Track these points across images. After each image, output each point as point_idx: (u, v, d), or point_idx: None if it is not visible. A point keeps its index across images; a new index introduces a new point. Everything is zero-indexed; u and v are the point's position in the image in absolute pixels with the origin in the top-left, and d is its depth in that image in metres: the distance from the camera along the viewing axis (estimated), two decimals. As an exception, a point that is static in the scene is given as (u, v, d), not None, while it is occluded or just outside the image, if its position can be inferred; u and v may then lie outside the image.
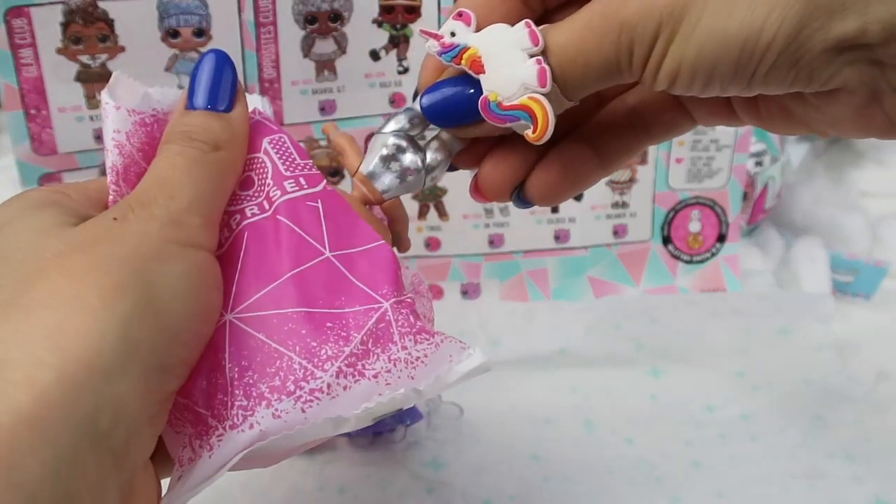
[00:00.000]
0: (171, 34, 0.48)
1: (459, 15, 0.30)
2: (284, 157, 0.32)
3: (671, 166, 0.56)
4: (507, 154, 0.32)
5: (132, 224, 0.26)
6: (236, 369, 0.28)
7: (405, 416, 0.46)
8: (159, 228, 0.26)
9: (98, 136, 0.49)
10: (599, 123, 0.33)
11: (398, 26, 0.51)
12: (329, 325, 0.29)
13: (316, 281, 0.29)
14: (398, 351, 0.29)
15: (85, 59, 0.47)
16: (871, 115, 0.27)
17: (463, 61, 0.29)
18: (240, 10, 0.49)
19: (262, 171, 0.31)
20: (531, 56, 0.28)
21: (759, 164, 0.59)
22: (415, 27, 0.51)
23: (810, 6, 0.25)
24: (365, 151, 0.34)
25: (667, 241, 0.58)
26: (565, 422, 0.49)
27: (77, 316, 0.23)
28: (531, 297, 0.57)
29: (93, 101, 0.48)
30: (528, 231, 0.57)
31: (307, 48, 0.51)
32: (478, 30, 0.30)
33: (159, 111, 0.31)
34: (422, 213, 0.55)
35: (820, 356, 0.53)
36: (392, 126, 0.32)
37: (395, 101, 0.53)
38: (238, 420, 0.28)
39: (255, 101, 0.34)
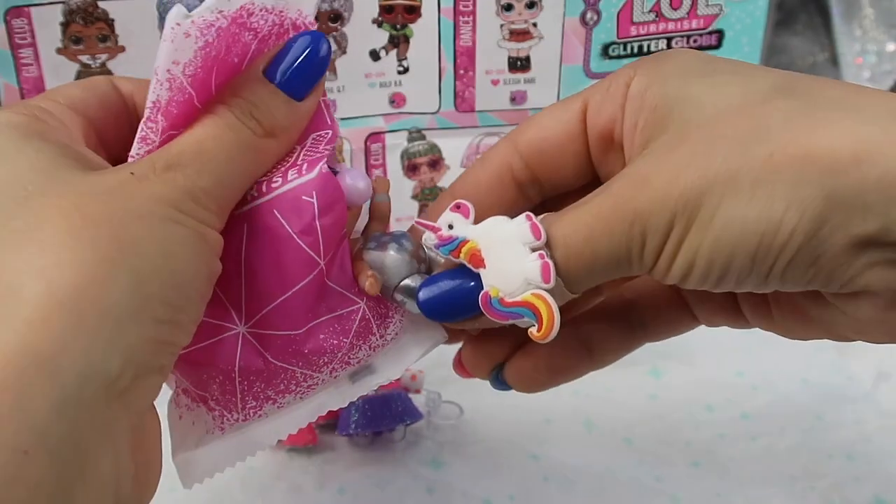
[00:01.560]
0: (171, 34, 0.48)
1: (457, 207, 0.29)
2: (311, 148, 0.31)
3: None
4: (491, 333, 0.31)
5: (151, 184, 0.26)
6: (245, 383, 0.30)
7: (405, 416, 0.47)
8: (177, 196, 0.26)
9: (98, 136, 0.49)
10: (593, 315, 0.32)
11: (398, 26, 0.51)
12: (322, 336, 0.30)
13: (313, 294, 0.30)
14: (377, 339, 0.31)
15: (85, 59, 0.47)
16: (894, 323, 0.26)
17: (462, 255, 0.28)
18: (240, 10, 0.49)
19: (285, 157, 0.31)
20: (533, 250, 0.27)
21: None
22: (415, 27, 0.51)
23: (831, 203, 0.24)
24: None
25: (667, 240, 0.58)
26: (565, 422, 0.49)
27: (96, 265, 0.23)
28: (531, 297, 0.57)
29: (93, 101, 0.48)
30: (528, 231, 0.57)
31: (307, 48, 0.51)
32: (476, 222, 0.29)
33: (229, 14, 0.28)
34: (421, 213, 0.55)
35: (820, 356, 0.53)
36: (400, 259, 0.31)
37: (395, 101, 0.53)
38: (250, 415, 0.31)
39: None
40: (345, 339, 0.30)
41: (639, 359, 0.53)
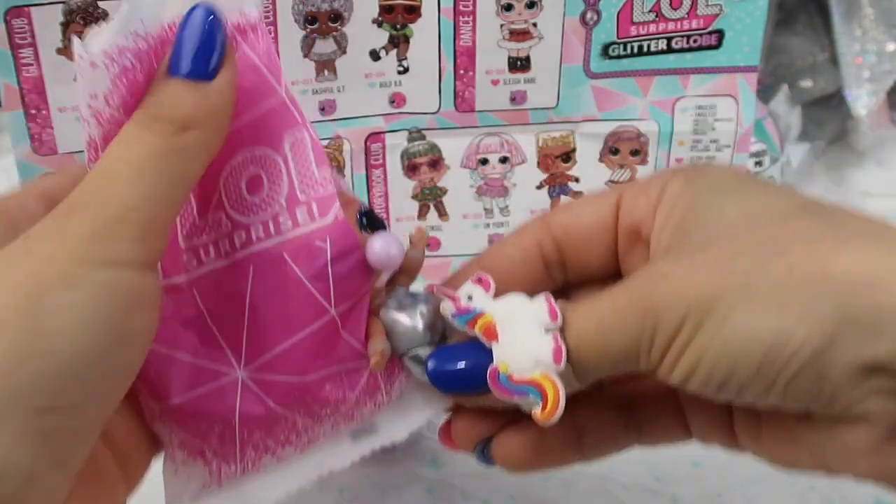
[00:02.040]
0: (171, 34, 0.48)
1: (479, 280, 0.29)
2: (301, 168, 0.29)
3: (671, 166, 0.56)
4: (483, 407, 0.31)
5: (41, 243, 0.23)
6: (245, 431, 0.30)
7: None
8: (73, 246, 0.23)
9: (98, 136, 0.49)
10: (591, 406, 0.32)
11: (398, 26, 0.51)
12: (328, 386, 0.30)
13: (322, 341, 0.29)
14: (382, 397, 0.31)
15: (85, 59, 0.47)
16: (889, 454, 0.25)
17: (477, 327, 0.28)
18: (240, 10, 0.49)
19: (276, 176, 0.29)
20: (547, 331, 0.27)
21: (759, 164, 0.59)
22: (415, 27, 0.51)
23: (843, 322, 0.24)
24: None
25: (667, 241, 0.58)
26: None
27: None
28: (531, 297, 0.57)
29: (93, 101, 0.48)
30: (528, 231, 0.57)
31: (307, 48, 0.51)
32: (496, 296, 0.29)
33: (149, 35, 0.26)
34: (422, 213, 0.55)
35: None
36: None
37: (395, 101, 0.53)
38: (248, 467, 0.30)
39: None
40: (351, 393, 0.30)
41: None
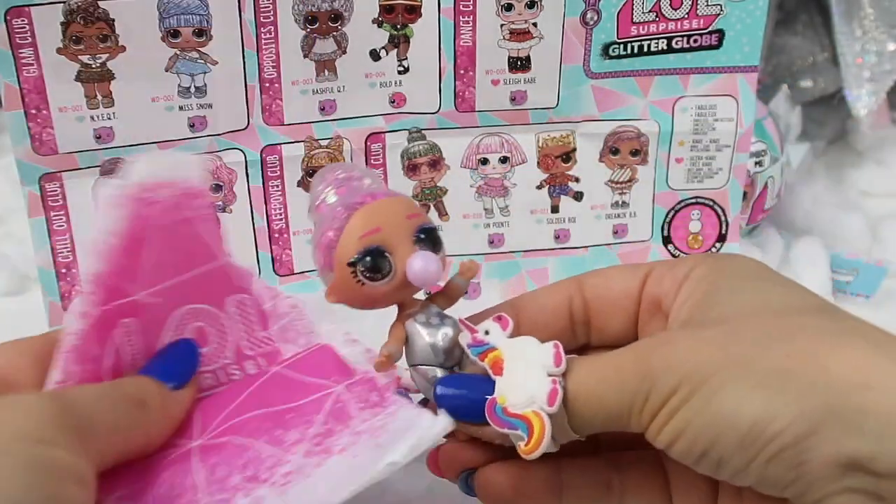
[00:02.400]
0: (171, 34, 0.48)
1: (499, 318, 0.31)
2: (247, 326, 0.33)
3: (671, 166, 0.56)
4: (473, 439, 0.32)
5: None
6: (203, 472, 0.29)
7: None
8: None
9: (99, 136, 0.49)
10: (578, 463, 0.33)
11: (399, 26, 0.51)
12: (290, 416, 0.30)
13: (271, 389, 0.31)
14: (359, 424, 0.31)
15: (85, 58, 0.47)
16: None
17: (486, 360, 0.30)
18: (240, 10, 0.49)
19: (220, 331, 0.32)
20: (549, 375, 0.29)
21: (759, 163, 0.59)
22: (415, 27, 0.51)
23: (830, 416, 0.25)
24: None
25: (667, 240, 0.58)
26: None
27: None
28: (531, 297, 0.57)
29: (93, 101, 0.48)
30: (528, 231, 0.57)
31: (307, 48, 0.51)
32: (512, 336, 0.31)
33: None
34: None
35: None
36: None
37: (395, 100, 0.53)
38: None
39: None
40: (317, 416, 0.30)
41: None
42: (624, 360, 0.28)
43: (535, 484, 0.32)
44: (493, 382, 0.30)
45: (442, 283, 0.34)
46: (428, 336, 0.32)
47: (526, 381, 0.29)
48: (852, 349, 0.26)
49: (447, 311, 0.34)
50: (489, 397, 0.29)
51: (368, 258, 0.31)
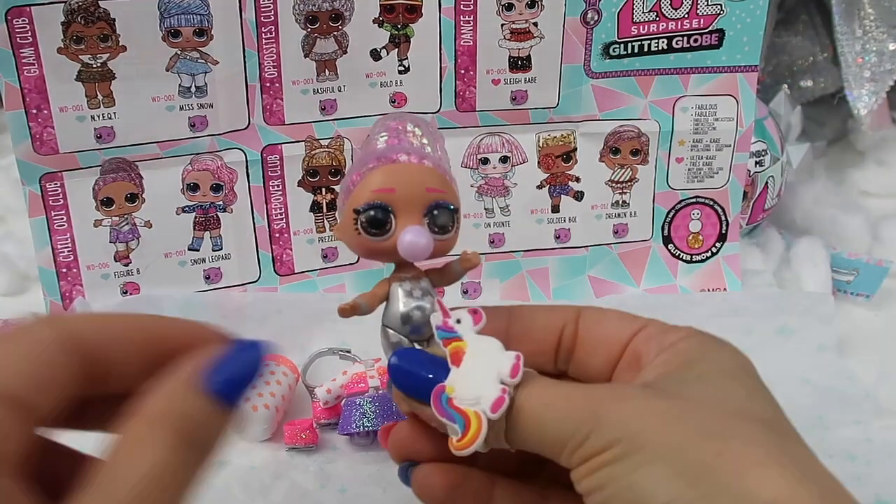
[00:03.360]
0: (172, 34, 0.48)
1: (474, 311, 0.31)
2: None
3: (671, 166, 0.56)
4: (424, 430, 0.32)
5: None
6: None
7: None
8: None
9: (99, 136, 0.49)
10: (513, 485, 0.33)
11: (399, 26, 0.51)
12: None
13: None
14: None
15: (86, 58, 0.47)
16: None
17: (449, 347, 0.31)
18: (241, 10, 0.49)
19: None
20: (502, 383, 0.29)
21: (759, 163, 0.59)
22: (416, 27, 0.51)
23: None
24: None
25: (667, 240, 0.58)
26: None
27: None
28: (532, 297, 0.57)
29: (94, 101, 0.48)
30: (528, 231, 0.57)
31: (308, 48, 0.51)
32: (481, 333, 0.31)
33: None
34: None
35: (821, 356, 0.53)
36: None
37: (396, 100, 0.53)
38: None
39: None
40: None
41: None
42: (576, 395, 0.29)
43: (467, 492, 0.33)
44: (448, 370, 0.30)
45: (441, 264, 0.34)
46: (403, 305, 0.32)
47: (478, 380, 0.29)
48: (780, 469, 0.26)
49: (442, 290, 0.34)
50: (439, 383, 0.30)
51: (372, 211, 0.31)
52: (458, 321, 0.31)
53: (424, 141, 0.34)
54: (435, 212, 0.32)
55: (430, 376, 0.30)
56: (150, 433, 0.25)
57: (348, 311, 0.32)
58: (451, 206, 0.32)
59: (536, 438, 0.29)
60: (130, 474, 0.25)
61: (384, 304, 0.33)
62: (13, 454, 0.24)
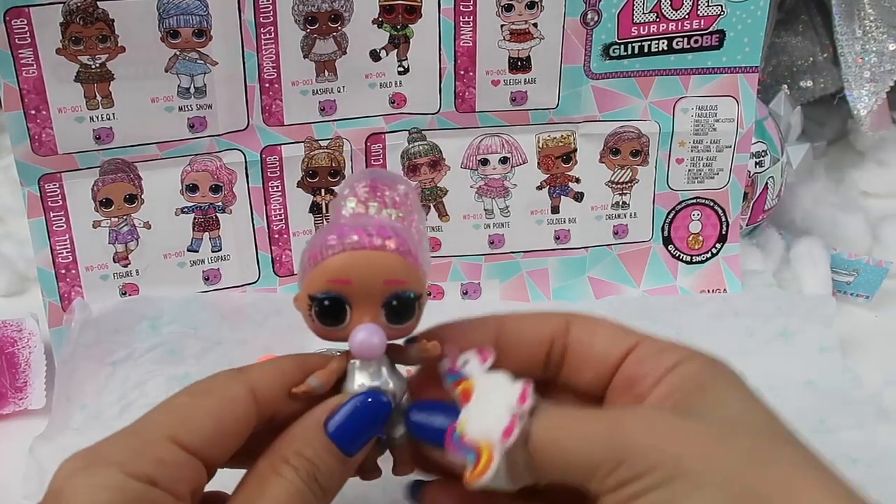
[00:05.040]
0: (171, 34, 0.48)
1: (480, 352, 0.31)
2: None
3: (671, 166, 0.56)
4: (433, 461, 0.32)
5: None
6: None
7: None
8: None
9: (98, 137, 0.49)
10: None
11: (398, 27, 0.51)
12: None
13: None
14: None
15: (85, 59, 0.47)
16: None
17: (458, 388, 0.31)
18: (240, 11, 0.49)
19: None
20: (511, 413, 0.29)
21: (759, 164, 0.59)
22: (415, 27, 0.51)
23: None
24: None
25: (667, 241, 0.58)
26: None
27: None
28: (532, 298, 0.57)
29: (92, 102, 0.48)
30: (528, 231, 0.57)
31: (307, 48, 0.51)
32: (491, 369, 0.31)
33: None
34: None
35: (821, 357, 0.53)
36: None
37: (396, 101, 0.53)
38: None
39: None
40: None
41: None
42: (598, 421, 0.28)
43: None
44: (458, 411, 0.30)
45: (402, 341, 0.33)
46: (358, 387, 0.32)
47: (487, 413, 0.29)
48: (828, 494, 0.26)
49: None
50: (451, 424, 0.30)
51: (327, 302, 0.30)
52: (466, 363, 0.31)
53: (393, 212, 0.32)
54: (394, 302, 0.31)
55: (444, 422, 0.30)
56: (274, 471, 0.29)
57: (301, 395, 0.31)
58: (412, 295, 0.31)
59: (561, 467, 0.28)
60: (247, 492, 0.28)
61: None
62: (183, 494, 0.27)
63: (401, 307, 0.31)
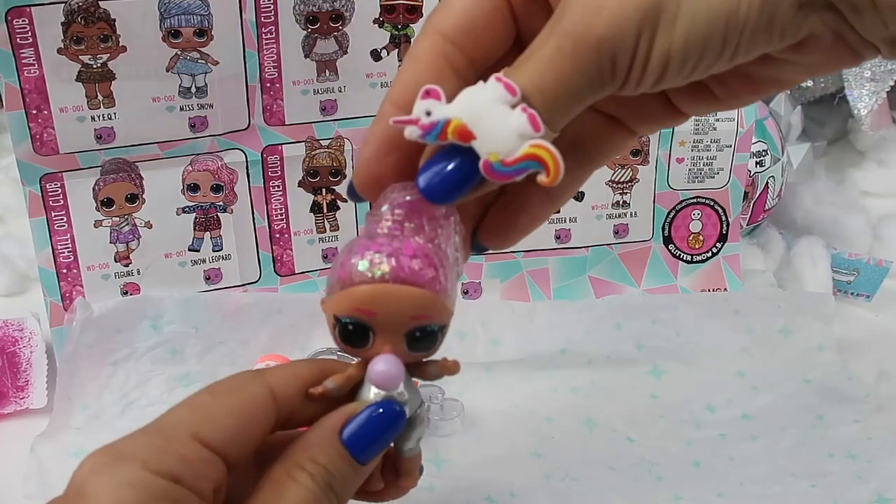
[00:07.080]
0: (172, 34, 0.48)
1: (427, 93, 0.29)
2: None
3: (672, 166, 0.56)
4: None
5: None
6: None
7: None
8: None
9: (99, 136, 0.49)
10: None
11: (399, 26, 0.51)
12: None
13: None
14: None
15: (86, 59, 0.47)
16: (839, 54, 0.28)
17: (449, 135, 0.28)
18: (241, 10, 0.49)
19: None
20: (513, 106, 0.27)
21: (759, 163, 0.59)
22: (416, 27, 0.51)
23: None
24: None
25: (667, 240, 0.58)
26: (566, 420, 0.49)
27: None
28: (532, 297, 0.57)
29: (94, 102, 0.48)
30: (528, 231, 0.57)
31: (308, 48, 0.51)
32: (449, 101, 0.28)
33: None
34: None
35: (821, 356, 0.53)
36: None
37: (396, 100, 0.53)
38: None
39: None
40: None
41: (640, 359, 0.54)
42: (567, 46, 0.27)
43: (525, 201, 0.33)
44: (471, 149, 0.28)
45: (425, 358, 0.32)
46: (374, 395, 0.31)
47: (500, 127, 0.28)
48: None
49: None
50: (481, 161, 0.28)
51: (351, 326, 0.30)
52: (429, 113, 0.28)
53: (429, 236, 0.31)
54: (417, 333, 0.30)
55: (465, 164, 0.28)
56: (290, 476, 0.29)
57: (318, 397, 0.31)
58: (436, 328, 0.30)
59: (576, 100, 0.28)
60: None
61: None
62: (206, 492, 0.27)
63: (423, 338, 0.31)
